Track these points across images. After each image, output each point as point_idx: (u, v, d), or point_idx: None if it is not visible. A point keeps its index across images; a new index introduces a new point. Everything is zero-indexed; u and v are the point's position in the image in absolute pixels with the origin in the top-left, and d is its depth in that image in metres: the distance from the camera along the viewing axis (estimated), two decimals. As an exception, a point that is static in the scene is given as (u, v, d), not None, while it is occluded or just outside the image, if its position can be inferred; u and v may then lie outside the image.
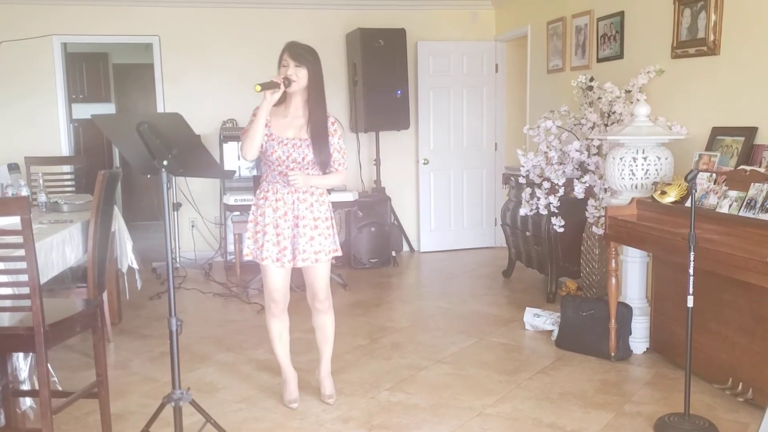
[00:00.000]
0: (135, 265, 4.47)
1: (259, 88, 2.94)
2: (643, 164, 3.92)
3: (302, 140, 3.14)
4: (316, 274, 3.29)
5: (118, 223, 4.38)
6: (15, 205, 2.56)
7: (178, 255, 6.59)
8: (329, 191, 3.40)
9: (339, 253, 3.34)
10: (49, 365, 2.73)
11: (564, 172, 4.72)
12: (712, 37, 3.86)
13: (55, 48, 6.44)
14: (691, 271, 2.98)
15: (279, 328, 3.38)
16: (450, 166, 7.11)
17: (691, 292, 2.99)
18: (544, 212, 4.83)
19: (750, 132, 3.64)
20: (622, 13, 4.77)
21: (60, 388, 3.42)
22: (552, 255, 5.10)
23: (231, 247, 6.46)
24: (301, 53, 3.09)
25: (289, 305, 3.40)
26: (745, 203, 3.14)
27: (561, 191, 4.71)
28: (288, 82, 3.04)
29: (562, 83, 5.51)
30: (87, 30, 6.50)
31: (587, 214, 4.70)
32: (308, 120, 3.16)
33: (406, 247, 7.14)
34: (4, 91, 6.37)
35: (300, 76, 3.08)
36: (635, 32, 4.66)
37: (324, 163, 3.18)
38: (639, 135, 3.89)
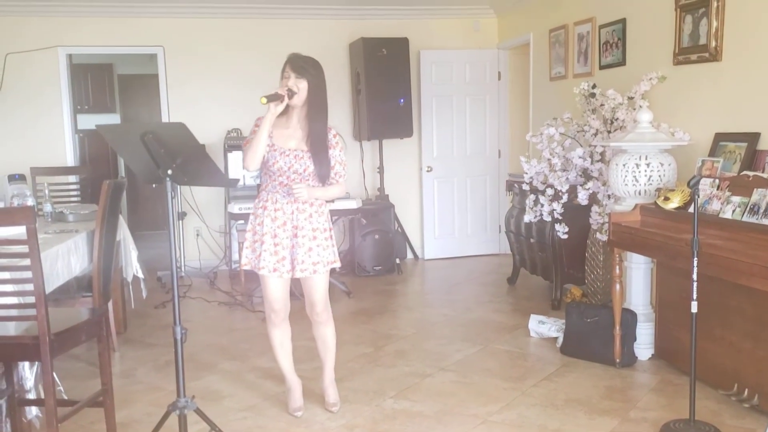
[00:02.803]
0: (140, 275, 4.49)
1: (264, 100, 2.98)
2: (646, 170, 3.92)
3: (304, 151, 3.14)
4: (314, 286, 3.27)
5: (124, 233, 4.40)
6: (20, 215, 2.58)
7: (183, 264, 6.60)
8: (329, 201, 3.40)
9: (338, 265, 3.32)
10: (54, 374, 2.75)
11: (567, 178, 4.73)
12: (713, 44, 3.87)
13: (60, 59, 6.48)
14: (694, 276, 2.97)
15: (280, 337, 3.37)
16: (454, 173, 7.12)
17: (694, 297, 2.99)
18: (548, 219, 4.84)
19: (753, 138, 3.64)
20: (623, 21, 4.79)
21: (66, 397, 3.43)
22: (556, 262, 5.09)
23: (236, 256, 6.47)
24: (301, 65, 3.09)
25: (291, 314, 3.39)
26: (748, 209, 3.14)
27: (565, 198, 4.71)
28: (291, 93, 3.06)
29: (565, 90, 5.52)
30: (92, 41, 6.54)
31: (591, 221, 4.70)
32: (308, 133, 3.16)
33: (410, 255, 7.14)
34: (10, 102, 6.41)
35: (300, 87, 3.09)
36: (637, 39, 4.67)
37: (324, 176, 3.17)
38: (642, 141, 3.89)
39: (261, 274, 3.21)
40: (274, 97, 3.01)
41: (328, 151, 3.17)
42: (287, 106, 3.10)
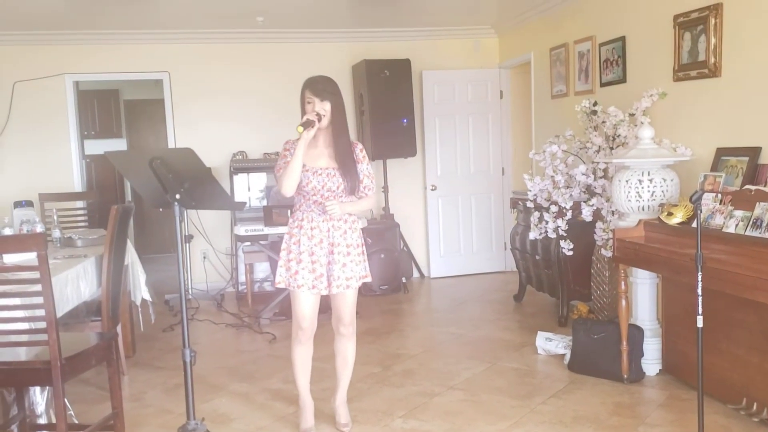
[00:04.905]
0: (148, 298, 4.52)
1: (301, 129, 3.09)
2: (649, 186, 3.95)
3: (335, 169, 3.23)
4: (344, 300, 3.32)
5: (131, 257, 4.44)
6: (31, 241, 2.62)
7: (190, 286, 6.63)
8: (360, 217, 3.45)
9: (369, 279, 3.39)
10: (65, 399, 2.77)
11: (571, 195, 4.75)
12: (712, 60, 3.91)
13: (67, 86, 6.58)
14: (699, 291, 2.98)
15: (303, 355, 3.39)
16: (458, 191, 7.15)
17: (700, 312, 2.99)
18: (553, 236, 4.85)
19: (754, 152, 3.66)
20: (623, 38, 4.84)
21: (76, 421, 3.44)
22: (562, 278, 5.10)
23: (242, 278, 6.50)
24: (321, 89, 3.18)
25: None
26: (751, 223, 3.16)
27: (569, 214, 4.73)
28: (320, 117, 3.16)
29: (567, 108, 5.56)
30: (98, 68, 6.64)
31: (596, 237, 4.72)
32: (334, 150, 3.25)
33: (416, 274, 7.15)
34: (19, 130, 6.49)
35: (326, 110, 3.18)
36: (637, 56, 4.72)
37: (353, 189, 3.26)
38: (644, 157, 3.92)
39: (296, 292, 3.24)
40: (307, 124, 3.11)
41: (357, 166, 3.26)
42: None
